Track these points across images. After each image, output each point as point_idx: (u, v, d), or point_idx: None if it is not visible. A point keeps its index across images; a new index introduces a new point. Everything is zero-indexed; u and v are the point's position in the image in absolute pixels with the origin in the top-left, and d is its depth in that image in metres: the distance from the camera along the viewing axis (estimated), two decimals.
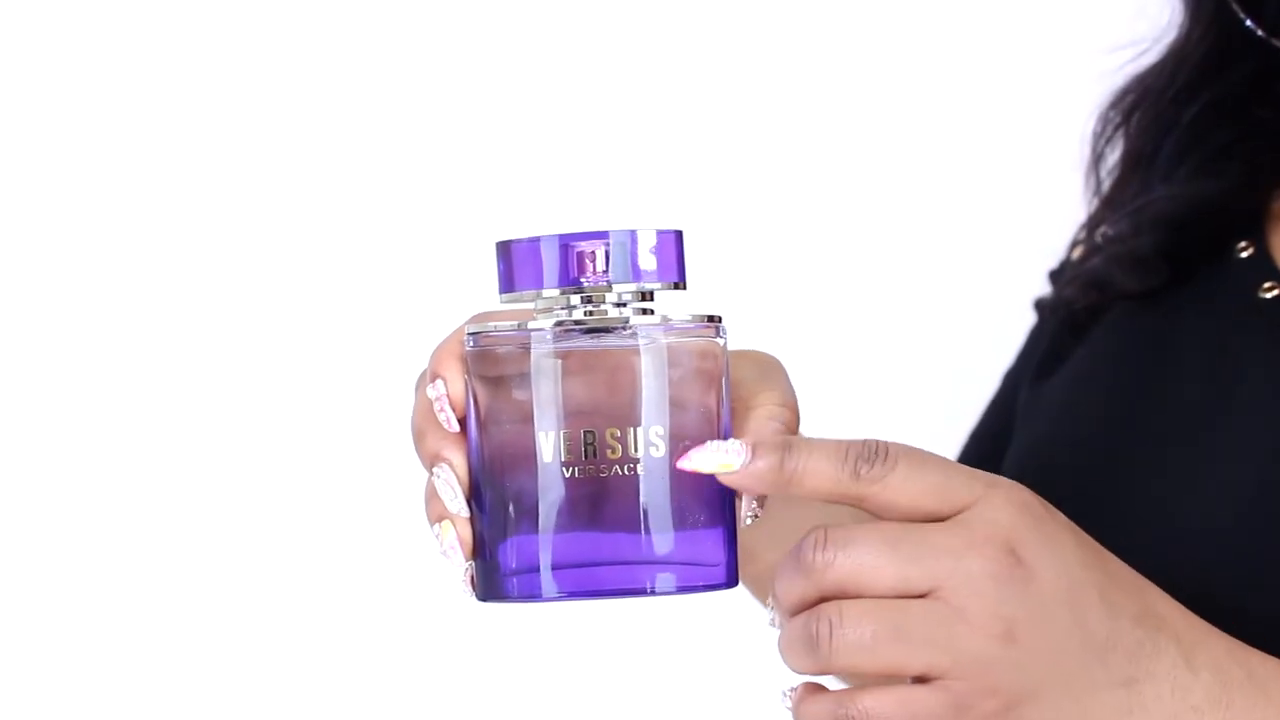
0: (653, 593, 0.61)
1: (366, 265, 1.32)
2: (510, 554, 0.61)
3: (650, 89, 1.30)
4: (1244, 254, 0.81)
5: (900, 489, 0.58)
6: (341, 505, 1.34)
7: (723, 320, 0.62)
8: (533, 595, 0.61)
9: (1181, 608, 0.62)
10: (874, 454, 0.58)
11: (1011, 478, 0.84)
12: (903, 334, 1.30)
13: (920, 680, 0.58)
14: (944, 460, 0.59)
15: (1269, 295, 0.79)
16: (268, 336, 1.33)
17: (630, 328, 0.61)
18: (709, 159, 1.30)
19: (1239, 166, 0.83)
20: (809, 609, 0.58)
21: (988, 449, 0.93)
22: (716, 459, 0.59)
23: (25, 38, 1.28)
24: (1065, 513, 0.79)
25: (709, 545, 0.62)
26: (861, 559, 0.57)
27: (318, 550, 1.33)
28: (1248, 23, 0.83)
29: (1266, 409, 0.74)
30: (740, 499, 0.62)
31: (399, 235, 1.32)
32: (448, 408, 0.62)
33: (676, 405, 0.61)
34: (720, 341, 0.62)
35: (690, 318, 0.62)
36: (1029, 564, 0.58)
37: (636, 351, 0.61)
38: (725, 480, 0.60)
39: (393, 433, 1.31)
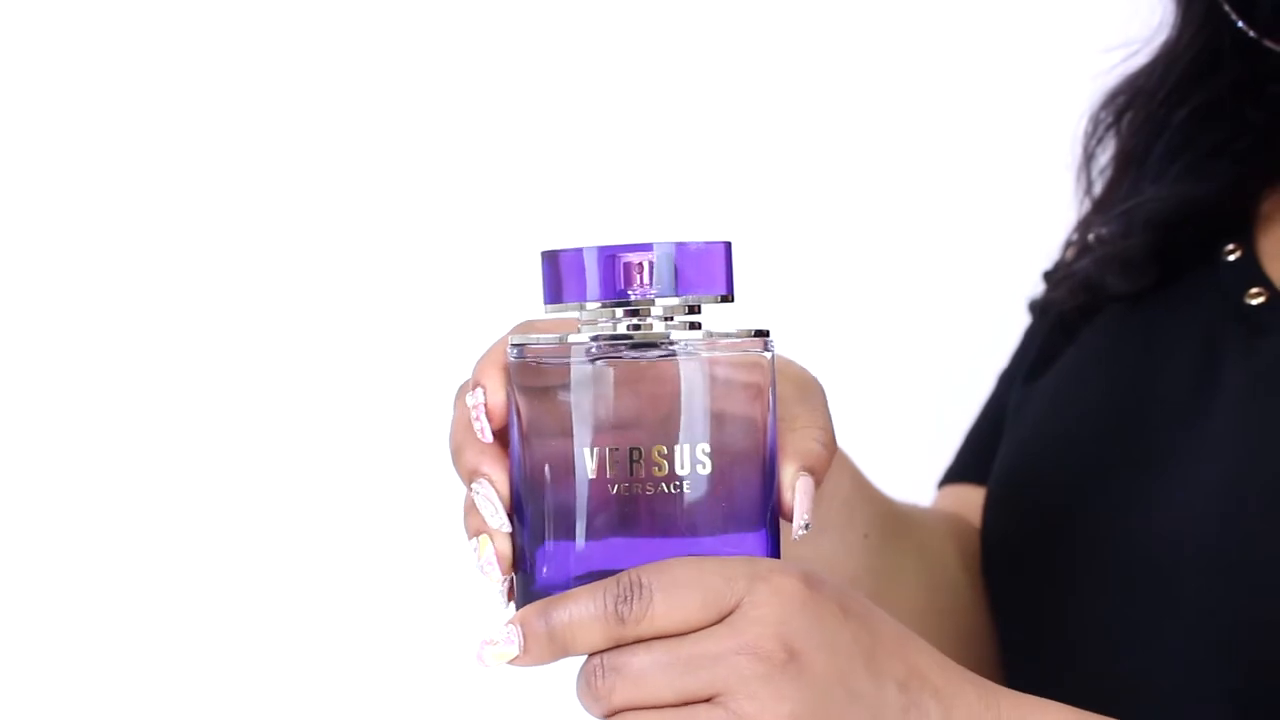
0: None
1: (381, 274, 1.32)
2: (549, 569, 0.61)
3: (654, 101, 1.30)
4: (1231, 257, 0.81)
5: (666, 617, 0.58)
6: (349, 511, 1.34)
7: (770, 335, 0.61)
8: None
9: (938, 659, 0.63)
10: (629, 593, 0.58)
11: (1001, 476, 0.85)
12: (896, 333, 1.30)
13: None
14: (701, 569, 0.59)
15: (1255, 301, 0.79)
16: (281, 345, 1.32)
17: (675, 343, 0.60)
18: (702, 166, 1.30)
19: (1229, 168, 0.83)
20: None
21: (982, 450, 0.93)
22: (498, 654, 0.60)
23: (25, 38, 1.28)
24: (1053, 511, 0.80)
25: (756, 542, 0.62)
26: (637, 680, 0.58)
27: (323, 555, 1.34)
28: (1239, 24, 0.83)
29: (1241, 411, 0.74)
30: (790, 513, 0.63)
31: (417, 245, 1.32)
32: (484, 417, 0.61)
33: (722, 422, 0.60)
34: (767, 356, 0.61)
35: (736, 332, 0.61)
36: (799, 653, 0.59)
37: (681, 367, 0.60)
38: (512, 665, 0.60)
39: (401, 439, 1.32)
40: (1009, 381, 0.94)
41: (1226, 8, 0.83)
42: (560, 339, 0.60)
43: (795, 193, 1.29)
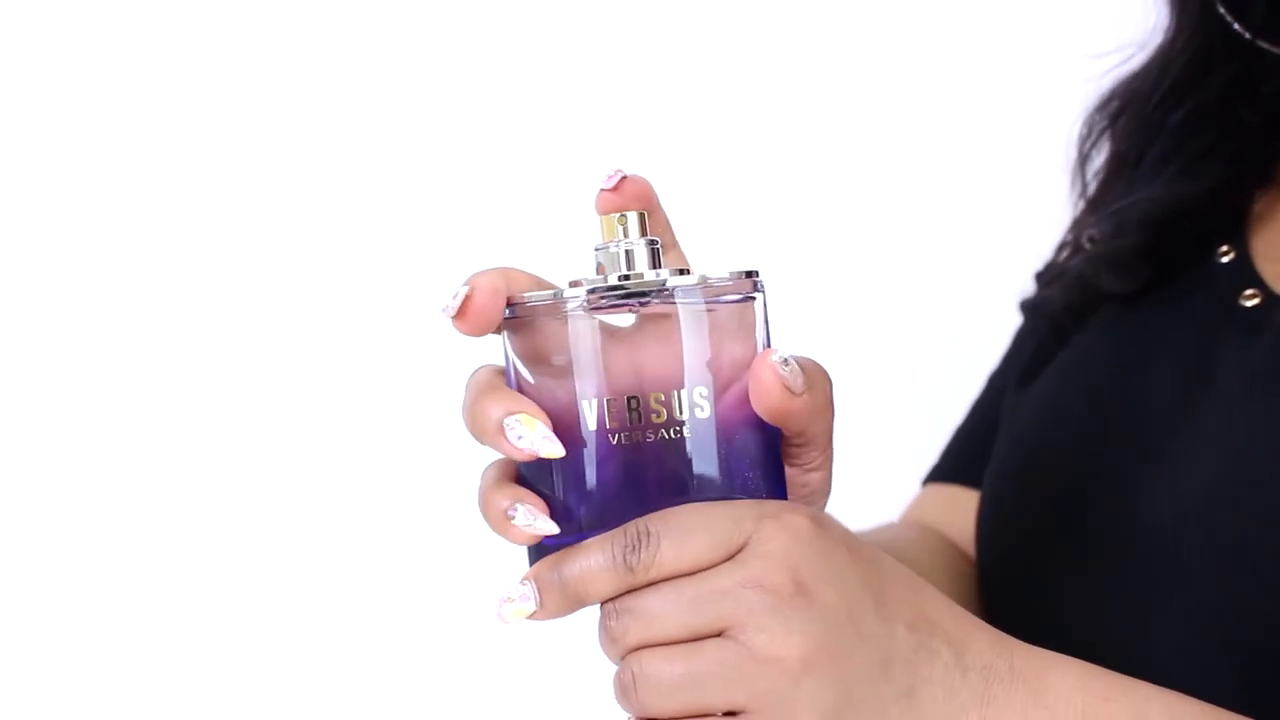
0: None
1: (368, 266, 1.32)
2: (560, 523, 0.60)
3: (647, 93, 1.30)
4: (1225, 258, 0.81)
5: (675, 561, 0.58)
6: (342, 505, 1.34)
7: (759, 275, 0.61)
8: None
9: (950, 606, 0.63)
10: (637, 540, 0.59)
11: (997, 478, 0.85)
12: (888, 333, 1.30)
13: (729, 715, 0.59)
14: (707, 512, 0.59)
15: (1249, 304, 0.78)
16: (269, 337, 1.33)
17: (668, 289, 0.60)
18: (703, 159, 1.30)
19: (1222, 170, 0.83)
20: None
21: (969, 451, 0.94)
22: (517, 611, 0.61)
23: (25, 38, 1.28)
24: (1050, 512, 0.80)
25: (766, 482, 0.62)
26: (649, 619, 0.59)
27: (318, 550, 1.34)
28: (1235, 26, 0.82)
29: (1234, 409, 0.74)
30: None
31: (401, 236, 1.32)
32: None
33: (717, 363, 0.60)
34: (759, 296, 0.61)
35: (728, 275, 0.61)
36: (807, 585, 0.58)
37: (675, 312, 0.60)
38: (531, 620, 0.61)
39: (400, 438, 1.32)
40: (999, 382, 0.94)
41: (1221, 9, 0.83)
42: (555, 294, 0.60)
43: (791, 194, 1.29)
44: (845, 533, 0.61)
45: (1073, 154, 0.91)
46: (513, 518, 0.60)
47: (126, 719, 1.33)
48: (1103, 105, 0.89)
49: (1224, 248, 0.82)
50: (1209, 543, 0.70)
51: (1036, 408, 0.85)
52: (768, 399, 0.60)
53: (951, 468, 0.97)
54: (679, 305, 0.60)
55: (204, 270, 1.31)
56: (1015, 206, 1.21)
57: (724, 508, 0.59)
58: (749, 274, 0.61)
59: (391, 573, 1.34)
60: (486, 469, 0.63)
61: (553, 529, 0.60)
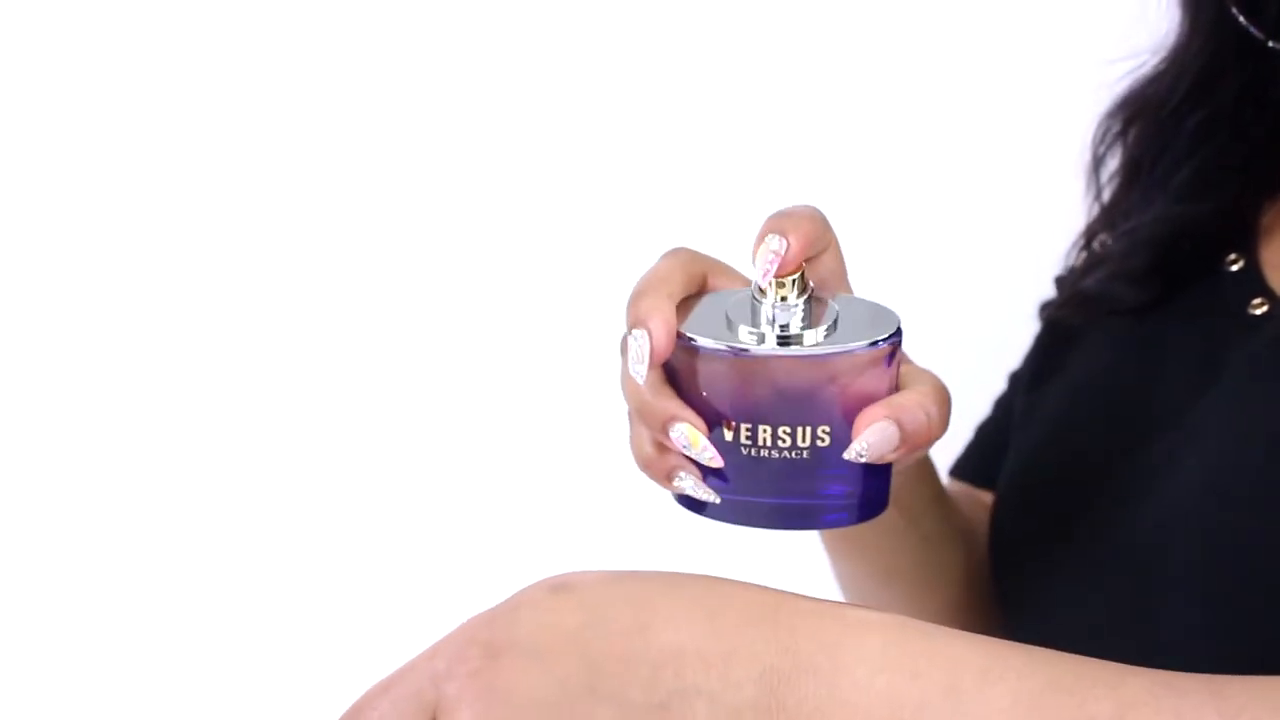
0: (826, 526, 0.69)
1: (367, 265, 1.33)
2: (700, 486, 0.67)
3: (651, 94, 1.30)
4: (1234, 267, 0.81)
5: None
6: (342, 505, 1.34)
7: (901, 337, 0.66)
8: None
9: (708, 610, 0.57)
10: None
11: (1009, 484, 0.86)
12: (908, 331, 1.29)
13: None
14: (386, 685, 0.60)
15: (1257, 312, 0.78)
16: (268, 336, 1.33)
17: (809, 345, 0.65)
18: (716, 165, 1.30)
19: (1231, 181, 0.83)
20: None
21: (987, 452, 0.97)
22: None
23: (25, 38, 1.29)
24: (1058, 515, 0.81)
25: (876, 488, 0.68)
26: None
27: (318, 549, 1.34)
28: (1252, 30, 0.82)
29: (1230, 409, 0.74)
30: None
31: (417, 245, 1.32)
32: (646, 359, 0.65)
33: (844, 406, 0.65)
34: (896, 355, 0.66)
35: (883, 339, 0.66)
36: None
37: (814, 365, 0.65)
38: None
39: (399, 438, 1.32)
40: (1018, 383, 0.95)
41: (1234, 10, 0.82)
42: (722, 349, 0.66)
43: (808, 198, 1.29)
44: (536, 626, 0.57)
45: (1088, 157, 0.91)
46: (679, 483, 0.66)
47: (126, 719, 1.34)
48: (1116, 110, 0.89)
49: (1232, 257, 0.82)
50: (1208, 542, 0.71)
51: (1048, 416, 0.86)
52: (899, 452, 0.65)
53: (969, 467, 0.99)
54: (819, 358, 0.65)
55: (204, 268, 1.32)
56: (1032, 208, 1.20)
57: (404, 686, 0.59)
58: (890, 338, 0.66)
59: (391, 572, 1.34)
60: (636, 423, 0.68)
61: (714, 498, 0.67)
